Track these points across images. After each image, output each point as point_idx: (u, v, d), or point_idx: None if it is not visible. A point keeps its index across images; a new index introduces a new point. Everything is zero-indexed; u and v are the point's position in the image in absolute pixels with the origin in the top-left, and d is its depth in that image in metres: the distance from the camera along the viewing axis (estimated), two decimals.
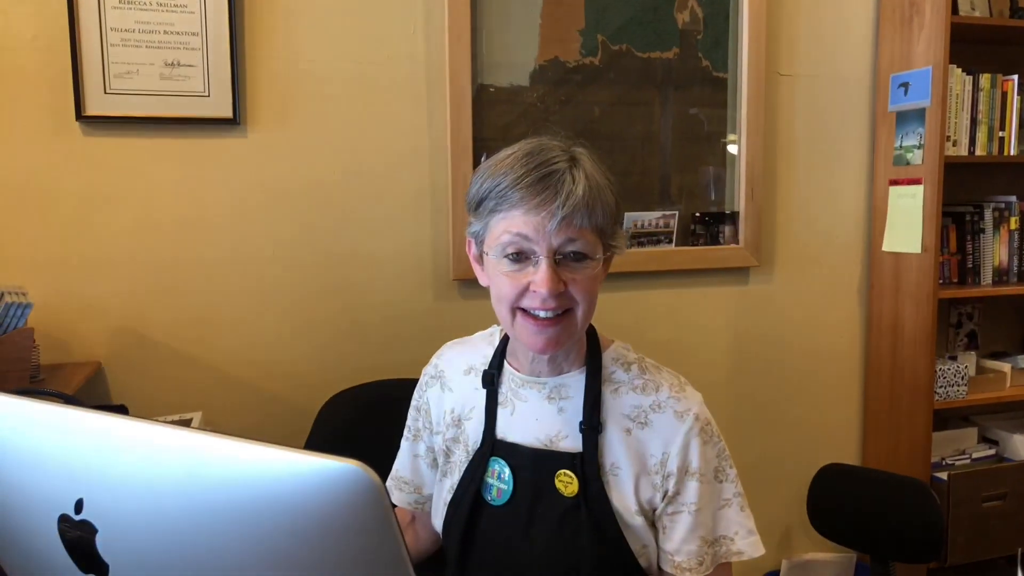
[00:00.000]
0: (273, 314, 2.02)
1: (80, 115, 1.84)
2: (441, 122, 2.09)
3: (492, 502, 1.06)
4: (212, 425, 1.90)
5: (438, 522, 1.12)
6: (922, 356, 2.35)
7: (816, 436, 2.56)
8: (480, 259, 1.06)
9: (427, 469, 1.19)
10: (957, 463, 2.48)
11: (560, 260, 0.98)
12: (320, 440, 1.86)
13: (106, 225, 1.90)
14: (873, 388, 2.56)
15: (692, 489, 1.03)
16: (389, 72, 2.05)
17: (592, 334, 1.11)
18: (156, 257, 1.94)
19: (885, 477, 2.16)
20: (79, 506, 0.59)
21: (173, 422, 1.76)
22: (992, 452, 2.55)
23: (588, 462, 1.03)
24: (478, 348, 1.17)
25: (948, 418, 2.62)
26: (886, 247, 2.44)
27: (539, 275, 0.96)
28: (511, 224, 0.97)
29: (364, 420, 1.87)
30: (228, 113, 1.93)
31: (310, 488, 0.47)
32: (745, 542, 1.06)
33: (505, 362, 1.12)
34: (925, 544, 1.98)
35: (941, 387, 2.38)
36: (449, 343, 1.23)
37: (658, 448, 1.04)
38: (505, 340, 1.13)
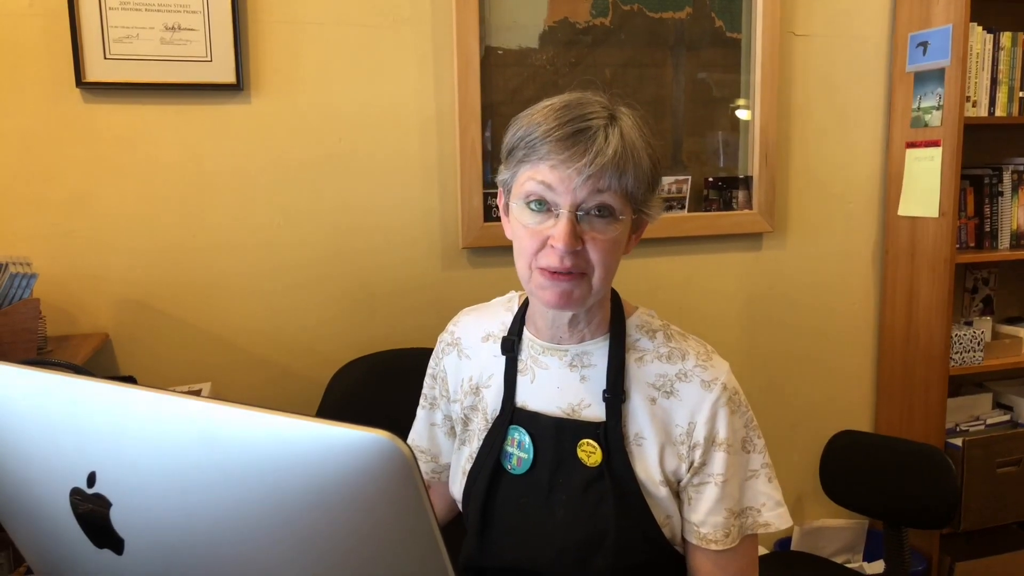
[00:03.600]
0: (281, 283, 2.00)
1: (80, 81, 1.80)
2: (448, 86, 2.04)
3: (512, 471, 1.04)
4: (222, 395, 1.89)
5: (456, 491, 1.11)
6: (938, 322, 2.32)
7: (829, 403, 2.54)
8: (507, 210, 1.03)
9: (444, 438, 1.17)
10: (972, 429, 2.46)
11: (582, 217, 0.94)
12: (330, 410, 1.85)
13: (110, 194, 1.87)
14: (887, 354, 2.53)
15: (719, 460, 1.01)
16: (395, 35, 2.00)
17: (616, 301, 1.08)
18: (161, 226, 1.90)
19: (899, 444, 2.14)
20: (92, 479, 0.57)
21: (183, 393, 1.75)
22: (1007, 418, 2.53)
23: (612, 432, 1.00)
24: (496, 314, 1.14)
25: (962, 384, 2.60)
26: (902, 211, 2.40)
27: (558, 228, 0.93)
28: (537, 173, 0.94)
29: (374, 389, 1.85)
30: (231, 78, 1.89)
31: (334, 460, 0.44)
32: (772, 514, 1.03)
33: (525, 329, 1.09)
34: (939, 511, 1.97)
35: (957, 353, 2.35)
36: (465, 309, 1.20)
37: (684, 418, 1.01)
38: (524, 306, 1.10)
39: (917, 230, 2.37)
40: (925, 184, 2.31)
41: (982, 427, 2.48)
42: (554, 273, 0.96)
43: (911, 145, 2.36)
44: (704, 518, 1.01)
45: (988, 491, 2.35)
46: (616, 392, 1.01)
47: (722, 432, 1.01)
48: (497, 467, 1.04)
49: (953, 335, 2.33)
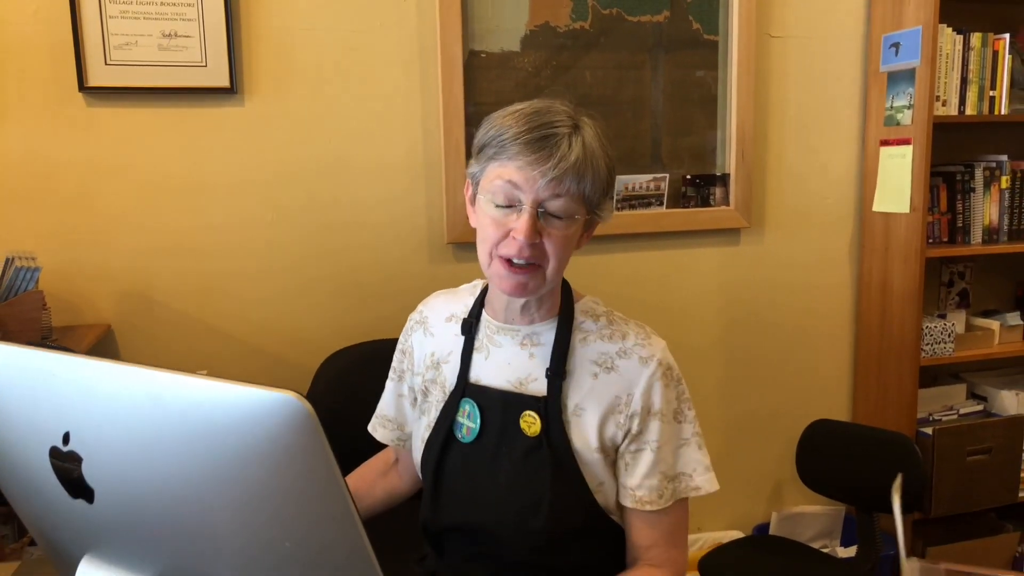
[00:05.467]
0: (274, 277, 2.10)
1: (83, 86, 1.91)
2: (433, 88, 2.14)
3: (462, 439, 1.14)
4: None
5: (416, 457, 1.21)
6: (909, 314, 2.40)
7: (807, 393, 2.62)
8: (473, 200, 1.13)
9: (410, 408, 1.27)
10: (945, 419, 2.53)
11: (542, 214, 1.05)
12: (318, 394, 1.95)
13: (111, 192, 1.98)
14: (863, 346, 2.61)
15: (654, 428, 1.11)
16: (381, 39, 2.10)
17: (566, 289, 1.18)
18: (160, 223, 2.01)
19: (870, 432, 2.23)
20: (66, 438, 0.67)
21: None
22: (980, 408, 2.60)
23: (551, 405, 1.10)
24: (461, 298, 1.25)
25: (938, 375, 2.67)
26: (876, 207, 2.47)
27: (520, 222, 1.04)
28: (505, 172, 1.05)
29: (360, 376, 1.95)
30: (225, 82, 1.99)
31: (251, 417, 0.54)
32: (703, 478, 1.13)
33: (483, 311, 1.19)
34: (907, 496, 2.05)
35: (928, 344, 2.42)
36: (436, 292, 1.31)
37: (623, 390, 1.11)
38: (485, 291, 1.20)
39: (891, 225, 2.45)
40: (897, 181, 2.38)
41: (955, 416, 2.55)
42: (512, 265, 1.06)
43: (884, 143, 2.43)
44: (640, 482, 1.10)
45: (958, 478, 2.43)
46: (558, 369, 1.11)
47: (657, 403, 1.11)
48: (449, 436, 1.15)
49: (924, 327, 2.41)
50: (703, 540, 2.56)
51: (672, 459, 1.12)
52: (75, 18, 1.88)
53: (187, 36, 1.96)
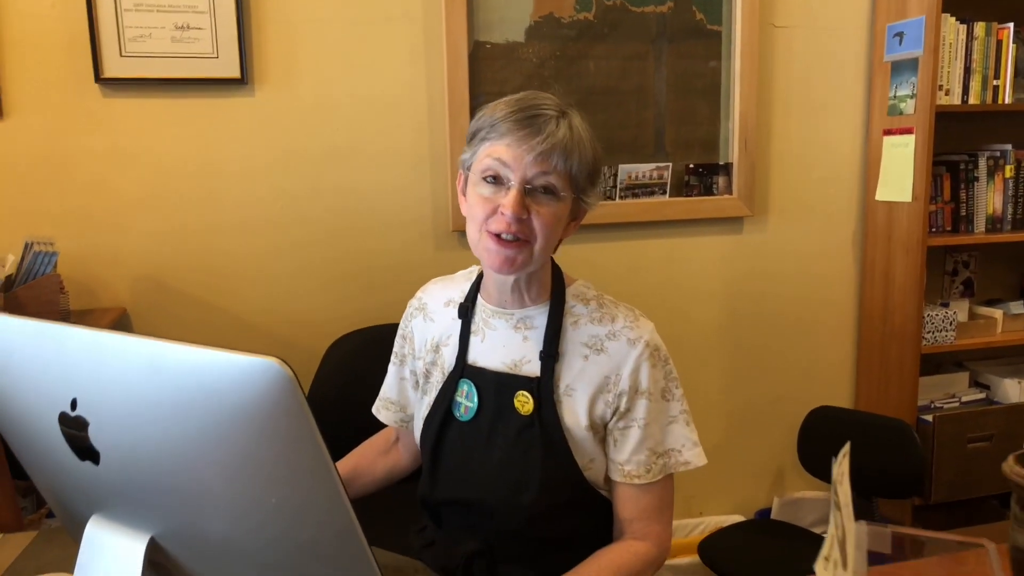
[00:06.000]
0: (283, 262, 2.16)
1: (98, 77, 1.97)
2: (439, 79, 2.18)
3: (460, 418, 1.19)
4: None
5: (417, 435, 1.26)
6: (911, 302, 2.42)
7: (810, 380, 2.65)
8: (464, 190, 1.18)
9: (412, 391, 1.32)
10: (946, 406, 2.55)
11: (530, 191, 1.09)
12: (326, 376, 2.01)
13: (127, 180, 2.04)
14: (866, 334, 2.63)
15: (642, 407, 1.15)
16: (388, 31, 2.15)
17: (557, 273, 1.22)
18: (173, 210, 2.08)
19: (870, 419, 2.26)
20: (74, 404, 0.72)
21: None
22: (982, 396, 2.62)
23: (544, 385, 1.15)
24: (458, 284, 1.30)
25: (941, 363, 2.69)
26: (879, 196, 2.49)
27: (508, 198, 1.08)
28: (495, 150, 1.09)
29: (366, 359, 2.00)
30: (236, 73, 2.05)
31: (238, 380, 0.59)
32: (691, 453, 1.18)
33: (478, 296, 1.24)
34: (905, 482, 2.09)
35: (929, 332, 2.44)
36: (434, 279, 1.35)
37: (612, 370, 1.15)
38: (480, 277, 1.25)
39: (893, 214, 2.46)
40: (900, 170, 2.40)
41: (957, 404, 2.57)
42: (500, 240, 1.10)
43: (887, 132, 2.45)
44: (628, 457, 1.15)
45: (959, 465, 2.45)
46: (551, 351, 1.16)
47: (644, 382, 1.15)
48: (448, 414, 1.20)
49: (926, 315, 2.43)
50: (705, 524, 2.60)
51: (660, 436, 1.17)
52: (91, 11, 1.94)
53: (199, 28, 2.01)
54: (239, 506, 0.67)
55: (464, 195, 1.18)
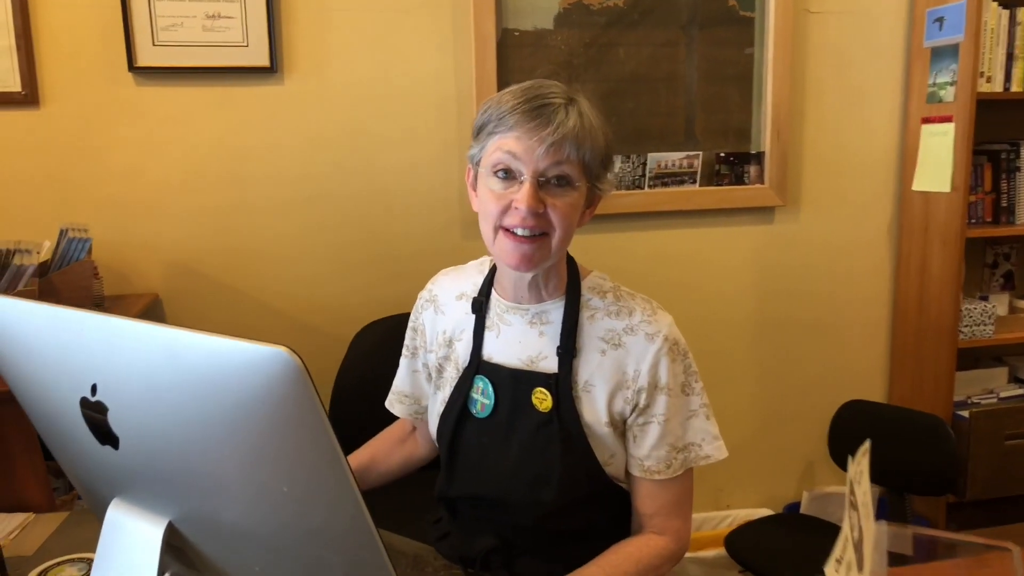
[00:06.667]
0: (311, 250, 2.18)
1: (132, 66, 2.00)
2: (467, 67, 2.18)
3: (477, 415, 1.18)
4: None
5: (432, 431, 1.26)
6: (947, 295, 2.36)
7: (842, 374, 2.61)
8: (475, 185, 1.16)
9: (425, 383, 1.32)
10: (984, 402, 2.49)
11: (543, 183, 1.07)
12: (352, 363, 2.03)
13: (159, 168, 2.07)
14: (900, 327, 2.58)
15: (661, 402, 1.13)
16: (416, 18, 2.14)
17: (572, 266, 1.21)
18: (204, 198, 2.10)
19: (904, 413, 2.21)
20: (94, 389, 0.73)
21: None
22: (1022, 391, 2.55)
23: (562, 381, 1.14)
24: (469, 276, 1.28)
25: (980, 358, 2.62)
26: (916, 186, 2.43)
27: (522, 192, 1.06)
28: (504, 143, 1.07)
29: (393, 347, 1.99)
30: (265, 62, 2.06)
31: (249, 369, 0.59)
32: (711, 447, 1.16)
33: (492, 290, 1.23)
34: (939, 478, 2.05)
35: (967, 326, 2.38)
36: (444, 270, 1.34)
37: (631, 366, 1.13)
38: (494, 269, 1.24)
39: (931, 205, 2.40)
40: (939, 159, 2.34)
41: (995, 400, 2.51)
42: (517, 236, 1.08)
43: (926, 120, 2.38)
44: (648, 452, 1.14)
45: (995, 462, 2.40)
46: (568, 347, 1.15)
47: (664, 377, 1.13)
48: (464, 411, 1.19)
49: (963, 309, 2.37)
50: (732, 517, 2.58)
51: (681, 431, 1.15)
52: (124, 1, 1.96)
53: (229, 17, 2.03)
54: (253, 494, 0.68)
55: (474, 190, 1.17)
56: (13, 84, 1.96)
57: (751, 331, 2.53)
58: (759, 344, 2.54)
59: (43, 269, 1.72)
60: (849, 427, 2.25)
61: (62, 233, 1.75)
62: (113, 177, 2.05)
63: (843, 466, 2.23)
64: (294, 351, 0.58)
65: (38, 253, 1.67)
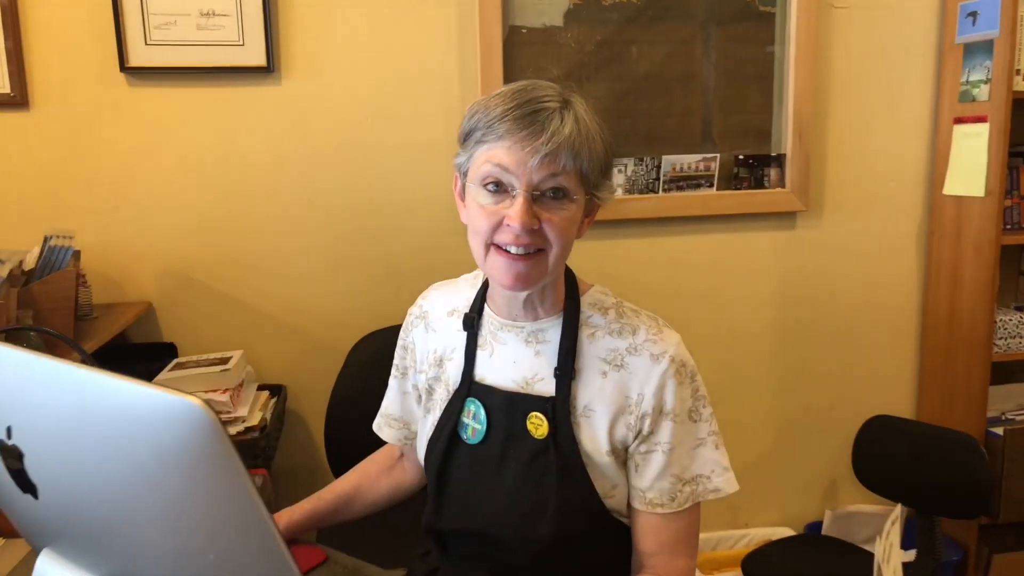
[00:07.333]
0: (309, 257, 2.10)
1: (124, 66, 1.93)
2: (472, 66, 2.08)
3: (467, 441, 1.09)
4: (253, 362, 2.01)
5: (420, 457, 1.17)
6: (981, 306, 2.23)
7: (867, 387, 2.48)
8: (463, 195, 1.06)
9: (416, 406, 1.23)
10: (1018, 418, 2.36)
11: (538, 197, 0.97)
12: (349, 376, 1.94)
13: (152, 172, 2.00)
14: (930, 339, 2.45)
15: (666, 429, 1.04)
16: (418, 16, 2.05)
17: (571, 280, 1.11)
18: (199, 202, 2.03)
19: (932, 430, 2.10)
20: (9, 432, 0.65)
21: (215, 360, 1.87)
22: None
23: (560, 406, 1.04)
24: (461, 290, 1.19)
25: (1015, 371, 2.49)
26: (947, 190, 2.30)
27: (514, 208, 0.96)
28: (494, 155, 0.97)
29: (389, 361, 1.93)
30: (262, 61, 1.98)
31: (160, 419, 0.51)
32: (720, 479, 1.06)
33: (485, 305, 1.13)
34: (971, 500, 1.93)
35: (1001, 339, 2.26)
36: (434, 284, 1.25)
37: (634, 390, 1.04)
38: (487, 283, 1.14)
39: (963, 210, 2.28)
40: (972, 162, 2.21)
41: None
42: (509, 255, 0.99)
43: (959, 121, 2.26)
44: (651, 484, 1.04)
45: None
46: (566, 368, 1.05)
47: (669, 402, 1.03)
48: (453, 437, 1.10)
49: (998, 320, 2.24)
50: (751, 537, 2.47)
51: (687, 461, 1.05)
52: None
53: (224, 15, 1.95)
54: (177, 559, 0.59)
55: (462, 200, 1.07)
56: (2, 86, 1.90)
57: (771, 341, 2.41)
58: (779, 355, 2.43)
59: (28, 278, 1.66)
60: (874, 444, 2.14)
61: (45, 240, 1.68)
62: (105, 181, 1.98)
63: (867, 484, 2.13)
64: (207, 403, 0.49)
65: (20, 263, 1.60)
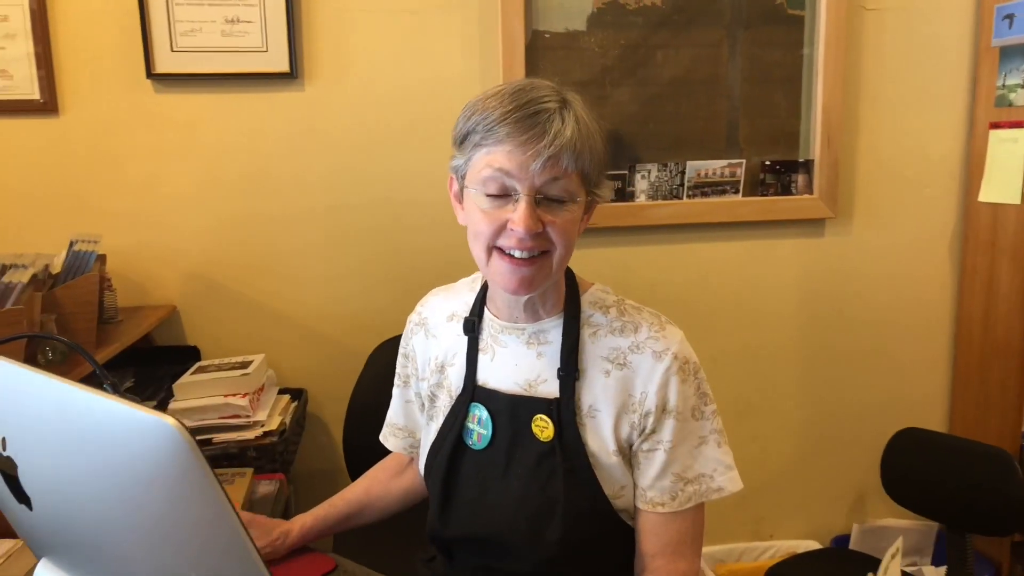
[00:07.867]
0: (332, 261, 2.11)
1: (150, 73, 1.95)
2: (494, 70, 2.07)
3: (473, 446, 1.08)
4: (274, 366, 2.02)
5: (422, 466, 1.16)
6: (1017, 315, 2.17)
7: (897, 399, 2.42)
8: (460, 197, 1.05)
9: (420, 414, 1.22)
10: None
11: (540, 200, 0.96)
12: (368, 380, 1.95)
13: (177, 176, 2.02)
14: (963, 350, 2.38)
15: (668, 427, 1.02)
16: (440, 20, 2.05)
17: (571, 279, 1.10)
18: (223, 207, 2.05)
19: (964, 444, 2.04)
20: (3, 444, 0.65)
21: (236, 364, 1.89)
22: None
23: (564, 407, 1.03)
24: (460, 295, 1.18)
25: None
26: (983, 197, 2.24)
27: (518, 213, 0.95)
28: (494, 159, 0.96)
29: None
30: (285, 67, 1.99)
31: (134, 436, 0.51)
32: (724, 478, 1.05)
33: (485, 308, 1.12)
34: (1005, 516, 1.88)
35: None
36: (434, 290, 1.25)
37: (637, 388, 1.03)
38: (486, 286, 1.14)
39: (999, 218, 2.21)
40: (1008, 168, 2.15)
41: None
42: (513, 259, 0.98)
43: (995, 126, 2.19)
44: (652, 483, 1.03)
45: None
46: (569, 369, 1.04)
47: (672, 400, 1.02)
48: (458, 442, 1.09)
49: None
50: (775, 549, 2.42)
51: (690, 460, 1.04)
52: (143, 6, 1.92)
53: (248, 21, 1.97)
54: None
55: (460, 203, 1.06)
56: (32, 92, 1.94)
57: (799, 351, 2.37)
58: (807, 365, 2.38)
59: (55, 282, 1.68)
60: (904, 457, 2.08)
61: (71, 245, 1.71)
62: (131, 186, 2.01)
63: (897, 498, 2.07)
64: (181, 423, 0.49)
65: (46, 267, 1.63)
